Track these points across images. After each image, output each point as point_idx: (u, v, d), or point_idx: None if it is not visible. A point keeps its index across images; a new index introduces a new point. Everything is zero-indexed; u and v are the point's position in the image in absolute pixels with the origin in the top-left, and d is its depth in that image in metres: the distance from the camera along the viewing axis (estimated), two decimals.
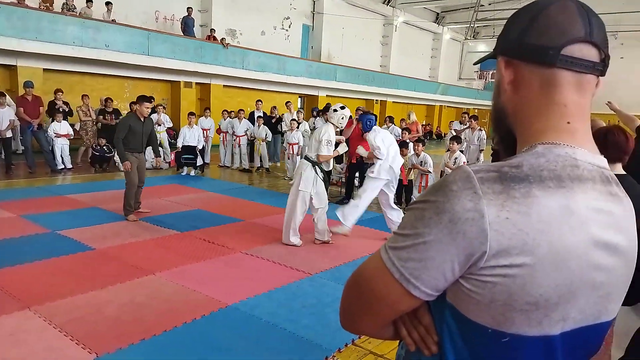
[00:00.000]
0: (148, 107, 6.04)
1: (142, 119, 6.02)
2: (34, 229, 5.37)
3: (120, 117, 8.19)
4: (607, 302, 0.74)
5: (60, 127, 9.53)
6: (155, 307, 3.52)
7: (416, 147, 7.10)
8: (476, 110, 26.45)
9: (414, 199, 6.27)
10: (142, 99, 6.03)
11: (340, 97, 19.49)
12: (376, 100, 22.52)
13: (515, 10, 0.81)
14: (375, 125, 5.75)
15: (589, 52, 0.72)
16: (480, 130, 8.99)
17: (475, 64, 1.03)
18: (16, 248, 4.68)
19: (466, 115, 9.91)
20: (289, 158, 10.04)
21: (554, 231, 0.66)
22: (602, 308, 0.73)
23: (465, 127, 9.36)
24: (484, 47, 19.79)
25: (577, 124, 0.74)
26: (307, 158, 5.23)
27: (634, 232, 0.75)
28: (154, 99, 12.05)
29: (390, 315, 0.77)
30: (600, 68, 0.74)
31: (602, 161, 0.75)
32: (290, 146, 9.89)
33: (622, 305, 1.42)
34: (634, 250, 0.75)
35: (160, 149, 10.75)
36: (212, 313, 3.47)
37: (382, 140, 5.54)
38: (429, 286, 0.70)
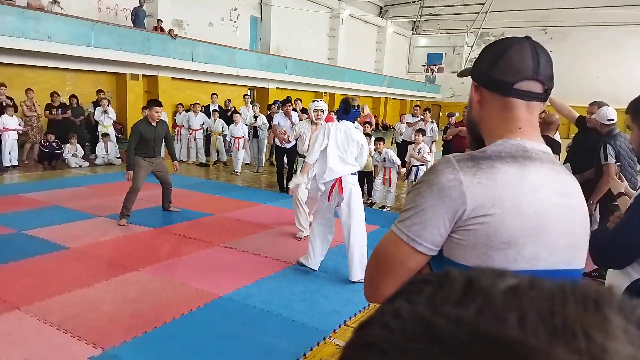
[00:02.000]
0: (159, 112, 5.88)
1: (153, 124, 5.90)
2: None
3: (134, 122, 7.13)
4: (574, 250, 0.97)
5: (10, 121, 9.06)
6: (148, 302, 3.59)
7: (377, 145, 7.40)
8: (419, 102, 27.50)
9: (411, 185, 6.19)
10: (153, 103, 5.98)
11: (291, 89, 19.58)
12: (325, 92, 22.81)
13: (487, 45, 1.09)
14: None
15: (534, 87, 0.99)
16: (432, 122, 9.50)
17: (458, 75, 1.29)
18: None
19: (418, 108, 10.39)
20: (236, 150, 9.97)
21: (514, 189, 0.91)
22: (572, 256, 0.97)
23: (418, 119, 9.83)
24: (429, 42, 20.62)
25: (526, 128, 1.01)
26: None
27: (581, 197, 1.01)
28: (102, 93, 11.64)
29: (404, 274, 0.96)
30: (542, 97, 1.01)
31: (547, 149, 1.02)
32: (236, 140, 9.86)
33: (612, 268, 1.75)
34: (583, 211, 1.00)
35: (111, 143, 10.48)
36: (207, 304, 3.59)
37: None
38: (430, 241, 0.94)
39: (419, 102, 21.71)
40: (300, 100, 10.43)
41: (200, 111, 11.16)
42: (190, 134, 10.96)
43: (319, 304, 3.68)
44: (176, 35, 14.79)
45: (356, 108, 4.87)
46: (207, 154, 11.15)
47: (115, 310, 3.42)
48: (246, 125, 10.23)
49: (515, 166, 0.94)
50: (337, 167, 4.13)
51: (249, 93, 15.51)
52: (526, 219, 0.90)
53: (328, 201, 4.21)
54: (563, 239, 0.95)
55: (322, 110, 5.19)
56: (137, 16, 14.36)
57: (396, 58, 28.42)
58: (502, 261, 0.90)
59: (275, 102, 11.01)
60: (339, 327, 3.34)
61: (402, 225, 0.96)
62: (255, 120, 10.20)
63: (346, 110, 5.40)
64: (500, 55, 1.00)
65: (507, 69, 0.99)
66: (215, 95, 11.82)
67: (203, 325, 3.28)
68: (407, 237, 0.95)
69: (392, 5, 26.63)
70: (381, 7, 27.00)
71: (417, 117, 10.02)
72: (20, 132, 9.35)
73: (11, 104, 9.42)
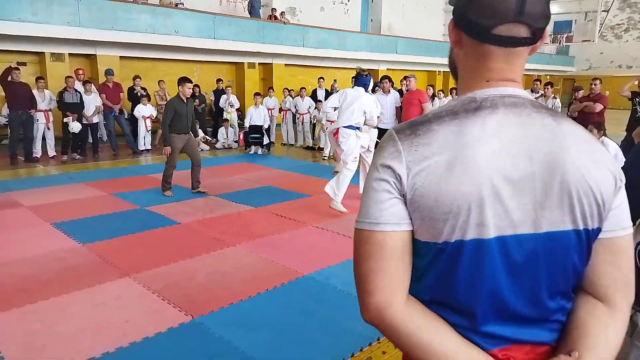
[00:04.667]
0: (190, 88, 6.21)
1: (185, 100, 6.18)
2: (125, 205, 5.89)
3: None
4: (541, 210, 0.80)
5: (145, 110, 10.24)
6: (238, 276, 3.81)
7: None
8: (548, 77, 24.96)
9: None
10: (184, 80, 6.18)
11: (401, 69, 19.12)
12: (439, 71, 21.86)
13: None
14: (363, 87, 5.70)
15: (517, 30, 0.81)
16: (554, 98, 8.57)
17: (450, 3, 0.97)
18: (111, 223, 5.18)
19: (538, 82, 9.45)
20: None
21: (448, 150, 0.80)
22: (540, 217, 0.81)
23: (538, 95, 8.95)
24: (557, 8, 18.51)
25: (496, 80, 0.85)
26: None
27: (552, 143, 0.81)
28: (222, 80, 12.53)
29: (392, 262, 0.83)
30: (528, 41, 0.82)
31: (516, 92, 0.85)
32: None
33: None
34: (551, 160, 0.80)
35: (230, 128, 11.25)
36: (290, 282, 3.70)
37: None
38: (392, 215, 0.83)
39: (540, 77, 19.66)
40: (407, 78, 10.12)
41: (308, 95, 11.43)
42: (298, 117, 11.31)
43: None
44: (285, 21, 15.27)
45: (365, 76, 5.68)
46: (314, 137, 11.42)
47: (208, 281, 3.70)
48: None
49: (453, 124, 0.82)
50: (339, 121, 5.62)
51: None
52: (469, 183, 0.78)
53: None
54: (521, 199, 0.80)
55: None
56: (253, 7, 15.13)
57: None
58: (449, 232, 0.80)
59: (377, 84, 10.83)
60: None
61: (360, 217, 0.86)
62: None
63: (356, 78, 5.76)
64: None
65: (485, 9, 0.81)
66: (322, 79, 11.98)
67: (284, 301, 3.38)
68: (369, 224, 0.84)
69: None
70: None
71: (537, 92, 9.12)
72: (154, 119, 10.48)
73: (145, 94, 10.58)
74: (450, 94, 10.45)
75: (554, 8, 19.10)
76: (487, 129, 0.81)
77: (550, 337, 0.88)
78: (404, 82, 7.21)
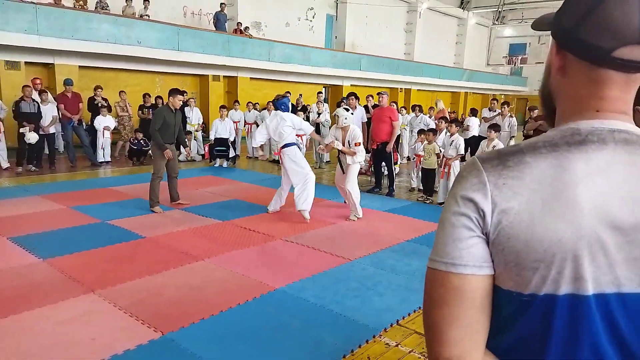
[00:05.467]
0: (181, 100, 6.28)
1: (174, 111, 6.21)
2: (86, 219, 5.70)
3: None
4: None
5: (105, 121, 9.98)
6: (209, 290, 3.76)
7: (449, 127, 7.17)
8: (503, 96, 26.06)
9: (438, 190, 6.29)
10: (175, 91, 6.24)
11: (365, 86, 19.51)
12: (400, 88, 22.44)
13: None
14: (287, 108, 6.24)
15: None
16: (511, 116, 8.98)
17: (533, 27, 0.91)
18: (72, 237, 5.00)
19: (495, 102, 9.87)
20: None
21: (545, 188, 0.70)
22: None
23: (495, 114, 9.34)
24: (512, 32, 19.46)
25: (607, 111, 0.75)
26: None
27: None
28: (186, 93, 12.39)
29: (469, 310, 0.75)
30: None
31: (627, 126, 0.74)
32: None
33: None
34: None
35: (194, 141, 11.13)
36: (262, 295, 3.69)
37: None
38: (472, 257, 0.74)
39: (496, 96, 20.53)
40: (372, 96, 10.36)
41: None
42: None
43: (372, 302, 3.63)
44: (249, 35, 15.33)
45: (281, 97, 6.31)
46: None
47: (178, 297, 3.63)
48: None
49: (551, 157, 0.71)
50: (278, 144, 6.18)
51: (322, 91, 15.65)
52: (567, 228, 0.68)
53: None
54: (626, 253, 0.68)
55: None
56: (218, 20, 15.10)
57: (477, 51, 27.22)
58: (539, 283, 0.70)
59: (343, 99, 11.03)
60: (391, 325, 3.27)
61: (435, 255, 0.77)
62: (319, 116, 10.30)
63: (274, 103, 6.40)
64: (594, 7, 0.71)
65: (603, 29, 0.71)
66: (288, 94, 12.06)
67: (256, 315, 3.37)
68: (446, 265, 0.75)
69: None
70: None
71: (494, 111, 9.52)
72: (114, 130, 10.21)
73: (106, 104, 10.31)
74: (413, 110, 10.73)
75: (508, 31, 20.11)
76: (592, 167, 0.70)
77: None
78: (380, 97, 7.41)
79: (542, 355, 0.73)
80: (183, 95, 6.42)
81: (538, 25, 0.88)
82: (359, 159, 6.08)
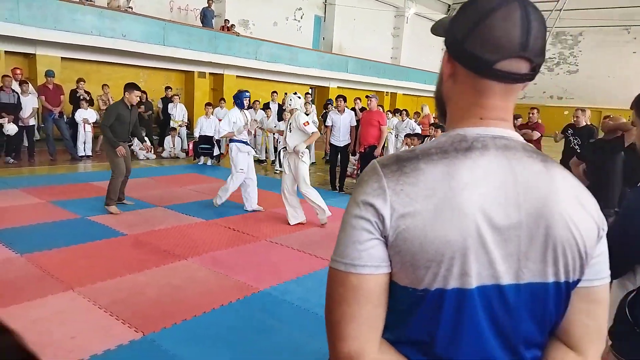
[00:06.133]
0: (137, 95, 5.95)
1: (129, 107, 5.88)
2: (66, 214, 5.57)
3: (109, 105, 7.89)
4: (525, 260, 0.78)
5: (86, 114, 9.77)
6: (191, 290, 3.70)
7: (435, 133, 7.21)
8: None
9: None
10: (132, 86, 5.86)
11: (351, 88, 19.56)
12: (386, 92, 22.55)
13: (464, 2, 0.84)
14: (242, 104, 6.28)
15: (518, 66, 0.78)
16: None
17: (432, 31, 0.96)
18: (51, 232, 4.88)
19: None
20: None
21: (437, 194, 0.76)
22: (523, 267, 0.78)
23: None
24: None
25: (489, 118, 0.82)
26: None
27: (540, 191, 0.79)
28: (170, 88, 12.23)
29: (367, 307, 0.79)
30: (528, 77, 0.80)
31: (508, 133, 0.82)
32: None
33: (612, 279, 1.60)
34: (538, 209, 0.78)
35: (178, 138, 10.99)
36: (246, 297, 3.65)
37: (229, 121, 6.21)
38: (371, 257, 0.78)
39: None
40: (360, 99, 10.40)
41: (261, 109, 11.40)
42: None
43: None
44: (235, 33, 15.21)
45: (239, 92, 6.40)
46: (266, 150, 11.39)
47: (160, 297, 3.56)
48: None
49: (442, 164, 0.77)
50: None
51: (310, 92, 15.63)
52: (455, 231, 0.75)
53: None
54: (505, 249, 0.77)
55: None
56: (206, 16, 14.94)
57: None
58: (431, 280, 0.76)
59: (329, 101, 11.04)
60: None
61: (336, 255, 0.80)
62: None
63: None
64: (479, 21, 0.78)
65: (487, 42, 0.77)
66: (275, 94, 12.03)
67: (239, 317, 3.33)
68: (345, 265, 0.79)
69: (460, 2, 25.80)
70: (449, 5, 26.26)
71: None
72: (95, 124, 10.01)
73: (88, 98, 10.11)
74: (395, 114, 10.80)
75: None
76: (476, 173, 0.77)
77: None
78: (369, 101, 7.42)
79: (433, 342, 0.80)
80: (140, 90, 6.13)
81: (435, 30, 0.94)
82: (305, 158, 5.75)
